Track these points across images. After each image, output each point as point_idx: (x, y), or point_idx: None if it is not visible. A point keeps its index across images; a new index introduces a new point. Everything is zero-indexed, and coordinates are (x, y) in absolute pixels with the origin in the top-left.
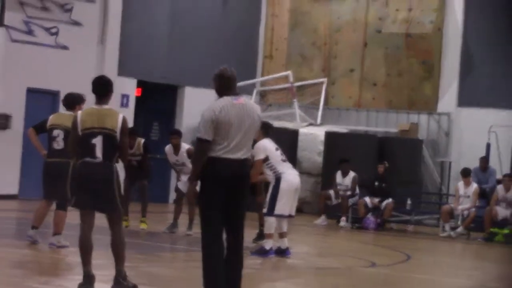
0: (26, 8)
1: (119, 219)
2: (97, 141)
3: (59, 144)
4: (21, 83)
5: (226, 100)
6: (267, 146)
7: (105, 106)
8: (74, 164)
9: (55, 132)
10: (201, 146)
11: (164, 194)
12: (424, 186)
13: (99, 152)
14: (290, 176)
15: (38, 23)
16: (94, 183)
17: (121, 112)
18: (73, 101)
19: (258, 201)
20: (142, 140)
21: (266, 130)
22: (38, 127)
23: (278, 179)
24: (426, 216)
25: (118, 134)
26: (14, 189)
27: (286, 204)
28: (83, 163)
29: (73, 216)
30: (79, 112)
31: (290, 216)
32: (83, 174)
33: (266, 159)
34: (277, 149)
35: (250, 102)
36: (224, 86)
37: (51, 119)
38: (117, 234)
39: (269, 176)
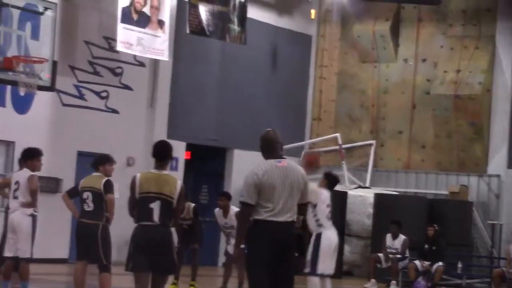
0: (77, 73)
1: (166, 281)
2: (155, 206)
3: (89, 206)
4: (71, 147)
5: (270, 163)
6: (324, 197)
7: (164, 172)
8: (103, 226)
9: (85, 194)
10: (244, 210)
11: (214, 257)
12: (475, 249)
13: (155, 216)
14: (331, 234)
15: (89, 87)
16: (153, 246)
17: (171, 175)
18: (96, 161)
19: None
20: (192, 205)
21: (331, 183)
22: (71, 191)
23: (318, 236)
24: (477, 280)
25: (175, 201)
26: (64, 253)
27: (327, 262)
28: (140, 226)
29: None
30: (138, 175)
31: (329, 275)
32: (141, 237)
33: (315, 206)
34: (328, 206)
35: (293, 164)
36: (268, 148)
37: (82, 181)
38: None
39: (311, 226)
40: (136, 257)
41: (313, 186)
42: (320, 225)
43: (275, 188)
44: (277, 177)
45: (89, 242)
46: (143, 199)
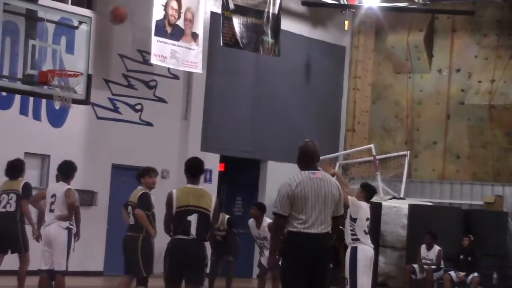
0: (112, 86)
1: None
2: (192, 219)
3: (131, 219)
4: (106, 160)
5: (304, 174)
6: (363, 209)
7: (199, 186)
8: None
9: (129, 208)
10: (278, 221)
11: (248, 269)
12: (510, 260)
13: (193, 230)
14: (367, 248)
15: (123, 100)
16: (189, 259)
17: (205, 187)
18: (138, 174)
19: (343, 276)
20: (227, 216)
21: (369, 194)
22: (125, 204)
23: (354, 250)
24: None
25: (211, 214)
26: (99, 266)
27: (365, 278)
28: (177, 240)
29: None
30: (174, 191)
31: None
32: (177, 250)
33: (353, 219)
34: (367, 220)
35: (328, 176)
36: (305, 159)
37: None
38: None
39: (347, 238)
40: (170, 269)
41: (353, 200)
42: (356, 239)
43: (308, 200)
44: (311, 189)
45: (129, 254)
46: (181, 213)
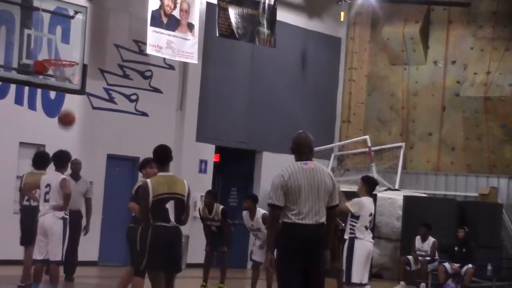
0: (107, 76)
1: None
2: (168, 206)
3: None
4: (101, 150)
5: (296, 165)
6: (365, 206)
7: (170, 173)
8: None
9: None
10: (273, 212)
11: (243, 260)
12: (504, 251)
13: (171, 216)
14: (365, 242)
15: (119, 90)
16: (168, 245)
17: (200, 177)
18: (139, 165)
19: (336, 267)
20: (221, 207)
21: (371, 187)
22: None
23: (352, 242)
24: (506, 283)
25: (185, 198)
26: (94, 256)
27: (359, 271)
28: (157, 226)
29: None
30: (149, 181)
31: (361, 284)
32: (157, 237)
33: (355, 217)
34: (371, 215)
35: (320, 166)
36: (298, 150)
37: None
38: None
39: (346, 232)
40: (151, 257)
41: (353, 201)
42: (354, 233)
43: (301, 191)
44: (303, 179)
45: (131, 245)
46: (158, 201)
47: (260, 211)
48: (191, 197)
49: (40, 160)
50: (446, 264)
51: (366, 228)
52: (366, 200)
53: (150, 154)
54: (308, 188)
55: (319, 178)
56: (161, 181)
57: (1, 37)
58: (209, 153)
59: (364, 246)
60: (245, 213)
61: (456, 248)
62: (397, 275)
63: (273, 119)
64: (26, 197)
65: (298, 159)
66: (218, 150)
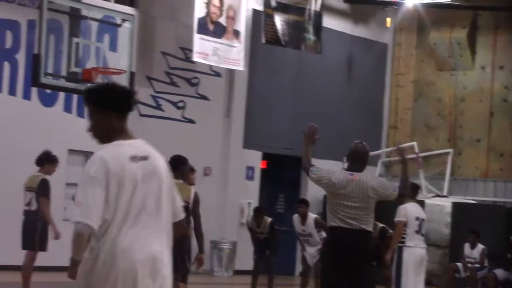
0: (154, 83)
1: None
2: None
3: None
4: None
5: (343, 174)
6: (408, 212)
7: (179, 180)
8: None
9: None
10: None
11: (290, 267)
12: None
13: None
14: (414, 249)
15: (166, 97)
16: (181, 252)
17: (247, 184)
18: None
19: (386, 275)
20: (269, 220)
21: (413, 192)
22: None
23: (400, 251)
24: None
25: (191, 204)
26: None
27: (411, 279)
28: None
29: None
30: None
31: None
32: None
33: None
34: (417, 219)
35: (366, 178)
36: (351, 159)
37: None
38: None
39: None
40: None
41: (399, 207)
42: (404, 239)
43: (342, 198)
44: (346, 187)
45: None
46: None
47: (312, 215)
48: (199, 204)
49: (38, 159)
50: (496, 271)
51: (417, 232)
52: (409, 206)
53: (197, 161)
54: (347, 198)
55: (362, 190)
56: None
57: (50, 46)
58: (256, 160)
59: (413, 254)
60: (295, 218)
61: (509, 255)
62: (447, 282)
63: (320, 125)
64: (26, 201)
65: (349, 167)
66: (265, 157)
